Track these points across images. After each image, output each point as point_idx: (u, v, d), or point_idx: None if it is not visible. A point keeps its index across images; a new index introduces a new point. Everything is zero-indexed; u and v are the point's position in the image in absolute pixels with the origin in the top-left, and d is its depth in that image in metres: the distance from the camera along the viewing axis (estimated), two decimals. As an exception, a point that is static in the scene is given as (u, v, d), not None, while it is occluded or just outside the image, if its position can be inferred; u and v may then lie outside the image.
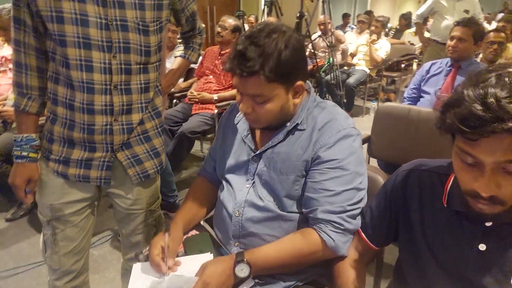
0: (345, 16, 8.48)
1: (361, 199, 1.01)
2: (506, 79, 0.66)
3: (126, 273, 1.42)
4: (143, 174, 1.27)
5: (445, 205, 0.85)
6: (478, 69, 0.74)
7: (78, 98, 1.10)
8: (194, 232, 1.22)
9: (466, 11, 3.84)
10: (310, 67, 3.62)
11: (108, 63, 1.08)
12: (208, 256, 1.11)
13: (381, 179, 1.22)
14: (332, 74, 4.49)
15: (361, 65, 5.02)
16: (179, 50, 1.52)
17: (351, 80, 4.74)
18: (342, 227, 0.98)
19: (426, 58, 4.11)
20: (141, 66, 1.15)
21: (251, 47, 0.91)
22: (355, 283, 0.96)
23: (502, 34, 2.76)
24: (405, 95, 2.68)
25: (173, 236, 1.11)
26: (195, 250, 1.14)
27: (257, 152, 1.09)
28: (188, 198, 1.25)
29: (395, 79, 5.77)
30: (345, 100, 4.78)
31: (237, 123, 1.18)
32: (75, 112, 1.12)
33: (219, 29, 3.00)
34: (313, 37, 4.66)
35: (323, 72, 4.62)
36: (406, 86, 6.04)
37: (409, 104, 2.58)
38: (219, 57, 3.05)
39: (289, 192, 1.04)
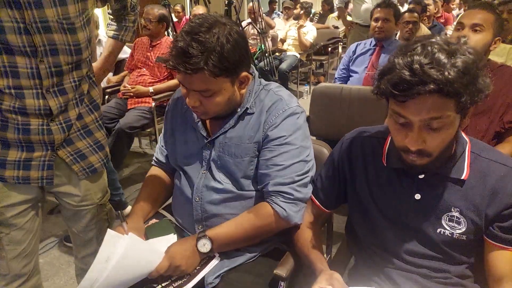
0: (271, 3, 8.61)
1: (309, 170, 1.08)
2: (429, 48, 0.76)
3: (82, 273, 1.37)
4: (89, 169, 1.23)
5: (385, 164, 0.96)
6: (413, 40, 0.83)
7: (8, 103, 1.02)
8: (154, 220, 1.21)
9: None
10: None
11: (35, 68, 1.00)
12: (172, 237, 1.12)
13: (326, 150, 1.31)
14: (265, 60, 4.57)
15: (292, 51, 5.19)
16: (111, 29, 1.42)
17: (284, 66, 4.88)
18: (292, 197, 1.04)
19: (350, 40, 4.35)
20: (73, 65, 1.09)
21: (193, 44, 0.90)
22: (313, 242, 1.05)
23: (415, 14, 3.02)
24: (336, 75, 2.83)
25: (134, 226, 1.10)
26: (158, 237, 1.14)
27: (210, 139, 1.11)
28: (144, 189, 1.24)
29: (323, 62, 6.04)
30: (279, 85, 4.90)
31: (185, 112, 1.18)
32: (6, 114, 1.04)
33: (144, 22, 2.90)
34: (243, 24, 4.69)
35: (256, 59, 4.69)
36: (333, 69, 6.41)
37: (340, 83, 2.74)
38: (150, 48, 2.96)
39: (246, 172, 1.09)
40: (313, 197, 1.11)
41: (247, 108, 1.08)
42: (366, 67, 2.64)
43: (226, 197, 1.10)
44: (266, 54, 4.50)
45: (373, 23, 2.68)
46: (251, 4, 4.83)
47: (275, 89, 1.12)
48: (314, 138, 2.26)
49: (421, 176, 0.92)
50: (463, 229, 0.89)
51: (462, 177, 0.89)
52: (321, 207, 1.11)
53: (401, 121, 0.81)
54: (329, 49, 5.72)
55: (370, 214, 1.00)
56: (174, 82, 2.93)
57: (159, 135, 2.97)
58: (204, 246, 1.02)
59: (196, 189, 1.12)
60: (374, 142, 1.01)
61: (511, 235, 0.87)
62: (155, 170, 1.30)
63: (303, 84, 5.61)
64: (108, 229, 1.00)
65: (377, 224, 0.98)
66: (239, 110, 1.08)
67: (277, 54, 5.16)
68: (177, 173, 1.22)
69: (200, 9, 3.50)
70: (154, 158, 1.33)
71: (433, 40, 0.79)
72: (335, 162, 1.07)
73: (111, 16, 1.40)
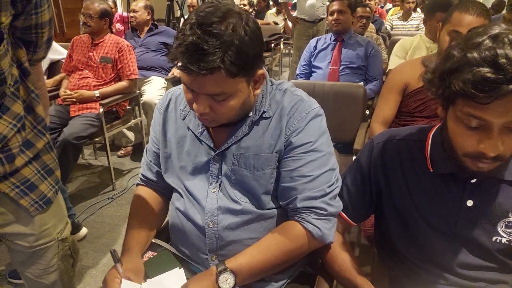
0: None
1: (337, 179, 0.96)
2: (505, 39, 0.67)
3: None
4: (42, 200, 0.98)
5: (431, 170, 0.87)
6: (466, 35, 0.74)
7: None
8: (150, 253, 1.00)
9: (326, -11, 4.15)
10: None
11: None
12: (179, 272, 0.93)
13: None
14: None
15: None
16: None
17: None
18: (325, 212, 0.91)
19: (296, 36, 4.34)
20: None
21: (206, 38, 0.73)
22: (353, 263, 0.93)
23: (368, 9, 3.06)
24: (298, 72, 2.76)
25: (132, 267, 0.89)
26: (160, 273, 0.94)
27: (220, 150, 0.94)
28: (134, 216, 1.03)
29: (267, 58, 5.99)
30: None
31: (184, 118, 0.99)
32: None
33: (84, 18, 2.55)
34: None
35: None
36: (276, 65, 6.40)
37: (304, 79, 2.67)
38: (92, 47, 2.62)
39: (267, 187, 0.93)
40: (340, 211, 0.98)
41: (263, 112, 0.92)
42: (330, 62, 2.60)
43: (245, 219, 0.93)
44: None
45: (329, 17, 2.66)
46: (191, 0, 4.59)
47: (291, 88, 0.97)
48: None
49: (473, 181, 0.83)
50: None
51: None
52: (349, 220, 0.99)
53: (475, 124, 0.71)
54: (272, 45, 5.67)
55: (413, 225, 0.90)
56: (122, 84, 2.63)
57: (109, 144, 2.70)
58: (227, 281, 0.84)
59: (208, 213, 0.93)
60: (411, 145, 0.91)
61: None
62: (143, 191, 1.09)
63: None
64: (124, 280, 0.78)
65: (423, 236, 0.89)
66: (251, 114, 0.92)
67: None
68: (176, 194, 1.02)
69: (140, 3, 3.21)
70: (140, 176, 1.11)
71: (499, 30, 0.70)
72: (364, 169, 0.96)
73: None
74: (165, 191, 1.09)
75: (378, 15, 5.79)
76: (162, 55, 3.23)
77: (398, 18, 5.25)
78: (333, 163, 0.94)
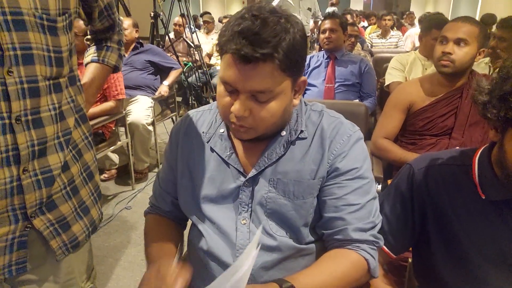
0: (183, 16, 8.32)
1: (378, 208, 0.88)
2: None
3: None
4: (71, 243, 0.84)
5: (483, 197, 0.81)
6: None
7: None
8: None
9: (309, 9, 4.20)
10: (180, 70, 3.33)
11: (1, 83, 0.66)
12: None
13: None
14: (195, 76, 4.30)
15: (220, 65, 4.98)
16: (88, 54, 1.08)
17: (216, 81, 4.64)
18: (377, 245, 0.83)
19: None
20: (52, 82, 0.75)
21: (263, 25, 0.69)
22: None
23: (356, 28, 3.08)
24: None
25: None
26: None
27: (252, 174, 0.84)
28: (152, 242, 0.91)
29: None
30: (211, 101, 4.66)
31: (209, 140, 0.89)
32: None
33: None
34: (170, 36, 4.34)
35: (183, 74, 4.37)
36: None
37: (298, 98, 2.62)
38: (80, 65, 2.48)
39: (307, 218, 0.84)
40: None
41: (300, 132, 0.84)
42: (324, 79, 2.57)
43: (282, 256, 0.83)
44: (200, 70, 4.22)
45: (321, 36, 2.65)
46: (177, 18, 4.51)
47: (326, 110, 0.90)
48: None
49: None
50: None
51: None
52: (390, 253, 0.92)
53: None
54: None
55: (464, 256, 0.83)
56: (109, 105, 2.49)
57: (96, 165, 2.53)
58: None
59: (240, 249, 0.82)
60: (456, 170, 0.86)
61: None
62: (155, 219, 0.97)
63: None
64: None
65: (475, 267, 0.82)
66: (285, 133, 0.84)
67: (205, 69, 4.90)
68: (195, 231, 0.90)
69: (126, 21, 3.09)
70: (150, 205, 1.00)
71: None
72: (405, 197, 0.89)
73: (89, 42, 1.09)
74: (181, 222, 0.99)
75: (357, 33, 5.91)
76: (148, 74, 3.11)
77: (378, 36, 5.39)
78: (375, 191, 0.87)
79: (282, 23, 0.70)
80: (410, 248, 0.98)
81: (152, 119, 3.00)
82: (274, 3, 4.32)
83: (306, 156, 0.84)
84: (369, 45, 5.28)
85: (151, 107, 3.01)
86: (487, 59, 2.51)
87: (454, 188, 0.84)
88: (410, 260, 1.02)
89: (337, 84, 2.55)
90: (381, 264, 0.92)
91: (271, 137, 0.84)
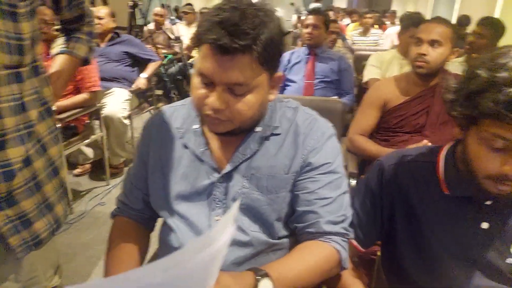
0: (163, 7, 8.18)
1: (348, 202, 0.90)
2: None
3: None
4: (33, 240, 0.81)
5: (446, 192, 0.84)
6: (488, 55, 0.72)
7: None
8: None
9: (292, 4, 4.18)
10: (159, 63, 3.25)
11: None
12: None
13: None
14: (175, 67, 4.22)
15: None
16: (57, 44, 1.05)
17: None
18: (347, 237, 0.85)
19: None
20: (12, 71, 0.71)
21: (243, 17, 0.69)
22: None
23: (337, 25, 3.07)
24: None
25: None
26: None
27: (226, 170, 0.83)
28: (114, 253, 0.87)
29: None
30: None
31: (182, 136, 0.88)
32: None
33: (38, 24, 2.32)
34: (149, 27, 4.24)
35: (163, 67, 4.29)
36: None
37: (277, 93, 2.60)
38: (48, 56, 2.36)
39: (280, 213, 0.84)
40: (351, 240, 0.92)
41: (274, 128, 0.84)
42: (304, 75, 2.55)
43: (255, 251, 0.83)
44: (180, 62, 4.15)
45: (304, 30, 2.63)
46: (157, 8, 4.41)
47: (301, 107, 0.91)
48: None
49: (488, 203, 0.81)
50: None
51: None
52: (359, 247, 0.94)
53: (501, 145, 0.70)
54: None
55: (428, 249, 0.86)
56: (82, 97, 2.41)
57: (65, 160, 2.44)
58: None
59: None
60: (424, 167, 0.88)
61: None
62: (122, 222, 0.94)
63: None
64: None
65: (437, 261, 0.85)
66: (259, 129, 0.83)
67: (185, 61, 4.84)
68: (165, 229, 0.89)
69: (102, 10, 2.99)
70: (118, 204, 0.96)
71: None
72: (375, 193, 0.91)
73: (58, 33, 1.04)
74: (148, 223, 0.96)
75: (338, 30, 5.93)
76: (125, 65, 3.03)
77: (359, 33, 5.42)
78: (346, 186, 0.89)
79: (261, 16, 0.71)
80: (380, 242, 1.00)
81: (129, 113, 2.92)
82: None
83: (280, 152, 0.84)
84: (350, 42, 5.31)
85: (127, 100, 2.93)
86: (461, 58, 2.55)
87: (421, 184, 0.87)
88: (379, 253, 1.05)
89: (317, 81, 2.54)
90: (350, 257, 0.92)
91: (245, 133, 0.83)
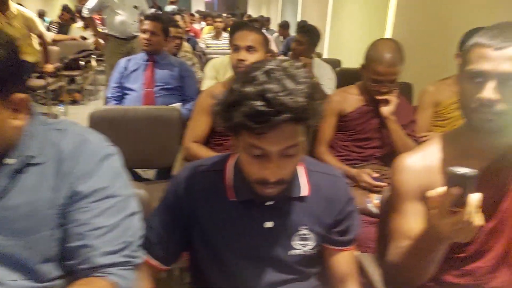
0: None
1: (138, 223, 0.86)
2: (275, 74, 0.73)
3: None
4: None
5: (232, 199, 0.89)
6: (247, 69, 0.79)
7: None
8: None
9: (136, 7, 3.99)
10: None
11: None
12: None
13: (143, 192, 1.08)
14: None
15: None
16: None
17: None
18: (132, 264, 0.80)
19: (108, 54, 4.04)
20: None
21: None
22: None
23: (181, 30, 3.05)
24: (109, 94, 2.52)
25: None
26: None
27: None
28: None
29: (76, 77, 5.37)
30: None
31: None
32: None
33: None
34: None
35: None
36: (91, 84, 5.81)
37: (116, 103, 2.47)
38: None
39: (46, 254, 0.75)
40: (149, 258, 0.90)
41: (31, 158, 0.74)
42: (144, 83, 2.45)
43: None
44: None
45: (141, 35, 2.53)
46: None
47: (72, 127, 0.82)
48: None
49: (270, 203, 0.89)
50: (313, 244, 0.92)
51: (304, 194, 0.90)
52: (159, 266, 0.91)
53: (257, 153, 0.77)
54: (82, 63, 5.13)
55: (222, 256, 0.91)
56: None
57: None
58: None
59: None
60: (212, 176, 0.92)
61: (346, 236, 0.95)
62: None
63: (56, 104, 4.81)
64: None
65: (234, 266, 0.90)
66: (11, 160, 0.72)
67: None
68: None
69: None
70: None
71: (273, 66, 0.76)
72: (172, 207, 0.91)
73: None
74: None
75: (193, 34, 5.96)
76: None
77: (212, 37, 5.53)
78: (134, 206, 0.84)
79: None
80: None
81: None
82: (94, 1, 3.97)
83: (41, 184, 0.74)
84: (204, 45, 5.38)
85: None
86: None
87: (210, 193, 0.90)
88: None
89: (157, 88, 2.47)
90: (149, 278, 0.90)
91: None
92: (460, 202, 0.69)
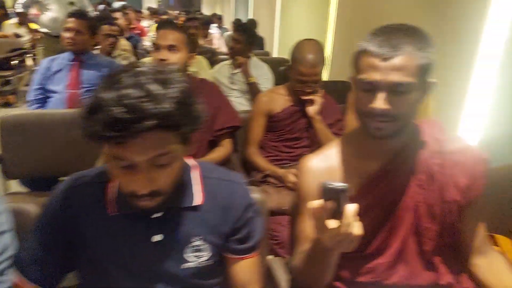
0: None
1: (9, 245, 0.80)
2: (140, 78, 0.68)
3: None
4: None
5: (112, 213, 0.82)
6: (114, 70, 0.73)
7: None
8: None
9: (72, 3, 3.77)
10: None
11: None
12: None
13: (29, 207, 1.01)
14: None
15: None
16: None
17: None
18: None
19: (42, 52, 3.80)
20: None
21: None
22: None
23: (116, 28, 2.90)
24: (31, 97, 2.35)
25: None
26: None
27: None
28: None
29: (9, 78, 5.01)
30: None
31: None
32: None
33: None
34: None
35: None
36: (27, 85, 5.43)
37: (38, 106, 2.30)
38: None
39: None
40: (24, 281, 0.82)
41: None
42: (68, 84, 2.30)
43: None
44: None
45: (65, 33, 2.36)
46: None
47: None
48: (10, 182, 1.82)
49: (158, 215, 0.83)
50: (208, 255, 0.87)
51: (197, 203, 0.86)
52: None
53: (124, 164, 0.71)
54: (15, 62, 4.78)
55: (110, 274, 0.84)
56: None
57: None
58: None
59: None
60: (95, 188, 0.85)
61: (246, 244, 0.91)
62: None
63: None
64: None
65: (120, 282, 0.84)
66: None
67: None
68: None
69: None
70: None
71: (142, 69, 0.71)
72: (49, 224, 0.83)
73: None
74: None
75: (139, 31, 5.77)
76: None
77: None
78: (3, 224, 0.79)
79: None
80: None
81: None
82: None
83: None
84: (149, 43, 5.22)
85: None
86: (229, 61, 2.77)
87: (92, 207, 0.83)
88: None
89: (83, 90, 2.33)
90: None
91: None
92: (337, 215, 0.70)
